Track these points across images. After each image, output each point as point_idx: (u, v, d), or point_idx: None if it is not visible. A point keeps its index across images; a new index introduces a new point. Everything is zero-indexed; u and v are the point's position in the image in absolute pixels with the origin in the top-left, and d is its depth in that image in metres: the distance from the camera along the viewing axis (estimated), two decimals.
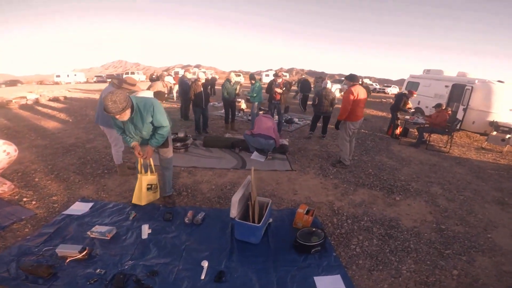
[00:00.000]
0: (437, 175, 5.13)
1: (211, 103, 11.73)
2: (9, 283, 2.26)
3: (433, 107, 7.76)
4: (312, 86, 13.99)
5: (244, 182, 3.16)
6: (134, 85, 4.39)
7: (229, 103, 7.38)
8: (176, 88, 13.43)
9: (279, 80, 6.94)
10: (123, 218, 3.25)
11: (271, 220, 3.24)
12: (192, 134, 6.97)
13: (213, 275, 2.43)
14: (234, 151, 5.85)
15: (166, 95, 6.22)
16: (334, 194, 4.16)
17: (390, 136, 7.91)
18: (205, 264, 2.55)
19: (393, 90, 27.35)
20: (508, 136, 6.91)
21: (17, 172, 4.42)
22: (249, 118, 8.40)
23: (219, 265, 2.58)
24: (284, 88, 6.92)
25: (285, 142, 6.44)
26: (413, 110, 8.37)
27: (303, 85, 12.21)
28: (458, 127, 8.12)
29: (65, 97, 14.49)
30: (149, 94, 5.11)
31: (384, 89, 25.42)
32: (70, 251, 2.54)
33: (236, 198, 2.82)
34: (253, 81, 7.19)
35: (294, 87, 15.74)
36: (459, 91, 8.62)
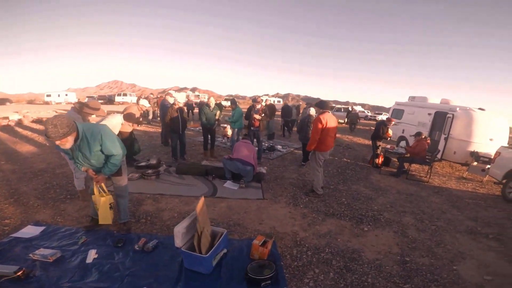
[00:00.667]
0: (412, 205, 5.00)
1: (197, 128, 11.59)
2: None
3: (411, 135, 7.73)
4: (301, 111, 14.06)
5: (192, 213, 3.03)
6: (97, 109, 4.31)
7: (208, 129, 7.14)
8: (151, 112, 13.44)
9: (258, 106, 6.86)
10: (72, 242, 3.19)
11: (225, 250, 3.09)
12: (169, 160, 6.89)
13: None
14: (207, 179, 5.72)
15: (140, 119, 6.07)
16: (301, 224, 3.99)
17: (371, 165, 7.82)
18: None
19: (384, 118, 27.47)
20: (488, 166, 6.87)
21: None
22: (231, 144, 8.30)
23: None
24: (263, 115, 6.86)
25: (263, 170, 6.32)
26: (389, 138, 8.20)
27: (284, 110, 12.38)
28: (439, 157, 8.07)
29: None
30: (116, 118, 5.05)
31: (376, 116, 25.80)
32: (6, 271, 2.52)
33: (178, 229, 2.73)
34: (234, 106, 7.08)
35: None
36: (441, 119, 8.43)
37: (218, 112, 7.25)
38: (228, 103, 25.12)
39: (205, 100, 19.77)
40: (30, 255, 2.84)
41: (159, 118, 12.41)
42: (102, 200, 3.18)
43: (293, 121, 13.02)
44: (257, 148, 7.23)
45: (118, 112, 5.42)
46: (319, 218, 4.21)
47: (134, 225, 3.71)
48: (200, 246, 2.73)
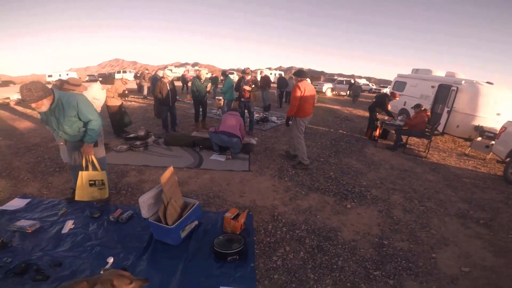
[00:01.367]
0: (404, 182, 4.78)
1: (187, 101, 11.63)
2: None
3: (411, 108, 7.36)
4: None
5: (159, 184, 2.91)
6: (78, 85, 4.36)
7: (199, 101, 7.18)
8: (146, 87, 13.48)
9: (248, 77, 6.65)
10: (52, 214, 3.25)
11: (196, 222, 3.01)
12: (160, 132, 6.85)
13: None
14: (195, 150, 5.60)
15: (126, 91, 6.20)
16: (282, 198, 3.87)
17: (368, 137, 7.55)
18: (110, 260, 2.52)
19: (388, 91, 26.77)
20: (492, 142, 6.48)
21: None
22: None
23: (126, 262, 2.52)
24: (253, 86, 6.63)
25: (253, 141, 6.17)
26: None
27: (280, 81, 12.56)
28: (440, 130, 7.73)
29: None
30: (93, 87, 4.92)
31: (380, 89, 24.99)
32: None
33: (143, 199, 2.66)
34: (224, 78, 7.00)
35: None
36: (445, 92, 8.04)
37: (209, 85, 7.19)
38: (232, 76, 24.69)
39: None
40: (10, 226, 2.90)
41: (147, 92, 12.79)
42: (82, 174, 3.13)
43: (289, 92, 12.88)
44: (249, 120, 7.10)
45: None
46: (302, 192, 4.08)
47: (114, 197, 3.71)
48: (166, 217, 2.66)
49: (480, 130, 6.93)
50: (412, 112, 8.65)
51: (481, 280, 2.58)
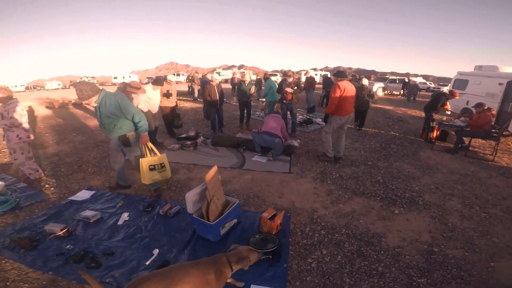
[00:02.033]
0: (465, 187, 4.29)
1: (234, 103, 11.96)
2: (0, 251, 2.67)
3: (472, 107, 6.59)
4: None
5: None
6: (138, 88, 4.80)
7: (244, 103, 7.37)
8: (196, 89, 14.10)
9: (290, 80, 6.63)
10: (112, 206, 3.59)
11: (235, 220, 3.11)
12: (209, 132, 7.22)
13: (158, 263, 2.54)
14: (239, 151, 5.76)
15: (168, 91, 6.42)
16: (323, 201, 3.77)
17: (424, 140, 6.94)
18: (155, 252, 2.69)
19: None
20: None
21: (51, 163, 5.11)
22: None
23: (169, 255, 2.66)
24: (295, 88, 6.58)
25: (295, 143, 6.10)
26: (448, 111, 7.18)
27: (325, 81, 12.41)
28: (511, 131, 6.79)
29: None
30: (148, 90, 5.33)
31: (440, 88, 22.68)
32: (54, 229, 2.94)
33: (189, 195, 2.81)
34: (265, 80, 7.06)
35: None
36: None
37: (252, 87, 7.29)
38: (275, 78, 24.78)
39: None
40: (77, 216, 3.28)
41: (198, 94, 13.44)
42: (141, 161, 3.53)
43: None
44: (291, 121, 7.09)
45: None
46: (345, 196, 3.91)
47: (166, 192, 3.99)
48: (208, 213, 2.78)
49: None
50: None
51: None
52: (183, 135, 6.29)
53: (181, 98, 14.87)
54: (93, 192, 3.93)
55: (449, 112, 7.15)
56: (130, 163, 4.27)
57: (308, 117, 9.10)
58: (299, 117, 8.88)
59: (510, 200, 3.91)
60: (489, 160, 5.67)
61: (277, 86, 6.97)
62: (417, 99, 16.05)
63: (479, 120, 5.80)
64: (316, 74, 30.94)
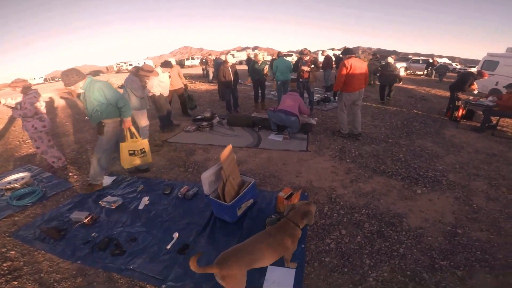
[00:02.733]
0: (491, 167, 4.07)
1: (249, 83, 11.79)
2: (31, 242, 2.73)
3: (504, 87, 6.20)
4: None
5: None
6: (151, 71, 4.71)
7: (258, 83, 7.27)
8: (211, 71, 13.92)
9: (306, 58, 6.41)
10: (132, 190, 3.62)
11: (252, 200, 3.07)
12: (224, 113, 7.18)
13: (178, 247, 2.55)
14: (254, 130, 5.70)
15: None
16: (342, 180, 3.68)
17: (448, 118, 6.62)
18: (175, 235, 2.69)
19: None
20: None
21: (73, 150, 5.19)
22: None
23: (188, 238, 2.67)
24: (312, 66, 6.38)
25: (313, 121, 5.98)
26: (476, 91, 6.81)
27: (338, 61, 11.91)
28: None
29: None
30: (158, 70, 5.27)
31: (466, 69, 21.53)
32: (79, 217, 2.98)
33: (205, 175, 2.74)
34: (276, 58, 6.91)
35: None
36: None
37: (266, 67, 7.17)
38: (290, 58, 24.38)
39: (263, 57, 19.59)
40: (100, 202, 3.33)
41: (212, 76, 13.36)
42: (121, 146, 3.53)
43: None
44: (308, 100, 6.95)
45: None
46: (366, 175, 3.81)
47: (183, 174, 4.01)
48: (225, 194, 2.74)
49: None
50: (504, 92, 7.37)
51: None
52: (199, 117, 6.27)
53: (195, 81, 14.80)
54: (114, 177, 3.96)
55: (476, 92, 6.76)
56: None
57: (326, 95, 8.90)
58: (317, 96, 8.67)
59: None
60: None
61: (287, 64, 6.79)
62: (443, 79, 15.30)
63: (509, 100, 5.45)
64: (334, 54, 30.09)
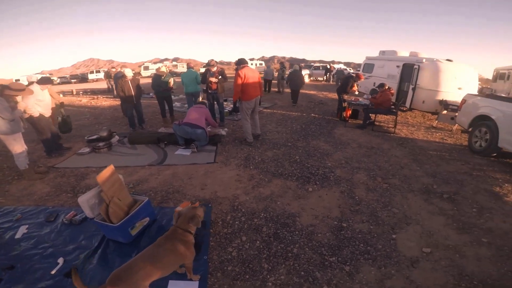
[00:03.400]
0: (370, 160, 4.81)
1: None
2: None
3: (376, 87, 7.49)
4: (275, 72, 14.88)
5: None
6: (21, 90, 4.14)
7: (163, 97, 7.08)
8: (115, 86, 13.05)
9: (214, 69, 6.55)
10: (7, 220, 3.22)
11: (148, 219, 2.95)
12: (128, 130, 6.71)
13: (66, 270, 2.42)
14: (160, 146, 5.47)
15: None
16: (245, 187, 3.82)
17: (339, 119, 7.60)
18: (60, 260, 2.55)
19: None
20: (456, 114, 6.67)
21: None
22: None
23: (76, 262, 2.54)
24: (220, 77, 6.52)
25: (222, 132, 6.08)
26: (356, 92, 8.05)
27: (265, 72, 13.53)
28: (408, 106, 7.95)
29: None
30: (35, 91, 4.65)
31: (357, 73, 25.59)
32: None
33: (83, 199, 2.58)
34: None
35: None
36: (409, 71, 8.36)
37: (171, 80, 6.96)
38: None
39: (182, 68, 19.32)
40: None
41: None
42: None
43: (268, 80, 13.68)
44: (219, 111, 7.11)
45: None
46: (266, 179, 4.04)
47: (71, 199, 3.62)
48: (109, 216, 2.60)
49: (445, 104, 7.13)
50: None
51: (443, 261, 2.49)
52: (94, 137, 5.68)
53: (98, 96, 13.55)
54: None
55: (357, 93, 7.91)
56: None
57: (237, 105, 9.25)
58: (230, 106, 8.88)
59: (406, 170, 4.45)
60: (391, 133, 6.49)
61: (193, 76, 6.83)
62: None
63: (380, 99, 6.55)
64: (252, 64, 31.82)
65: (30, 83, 5.60)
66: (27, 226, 3.05)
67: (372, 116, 6.90)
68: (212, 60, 6.62)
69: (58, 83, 29.85)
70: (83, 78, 30.98)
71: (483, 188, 3.86)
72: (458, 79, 7.57)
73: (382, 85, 6.86)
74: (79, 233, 2.94)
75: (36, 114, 4.56)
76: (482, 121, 5.33)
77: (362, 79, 7.61)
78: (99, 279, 2.31)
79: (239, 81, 5.02)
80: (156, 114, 8.70)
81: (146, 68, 32.45)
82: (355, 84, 7.25)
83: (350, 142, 5.69)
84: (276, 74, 14.28)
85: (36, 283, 2.30)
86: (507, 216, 3.18)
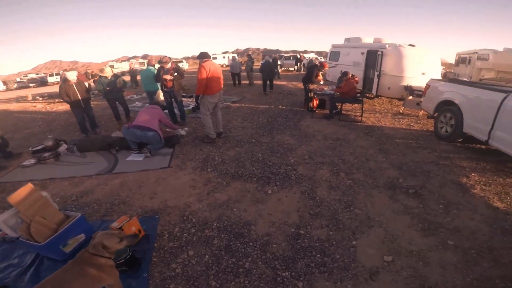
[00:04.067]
0: (334, 153, 4.60)
1: (128, 96, 10.80)
2: None
3: (340, 77, 7.33)
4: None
5: None
6: None
7: (113, 99, 6.57)
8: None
9: (168, 66, 6.11)
10: None
11: (83, 235, 2.68)
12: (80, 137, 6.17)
13: None
14: (111, 153, 5.00)
15: None
16: (199, 194, 3.50)
17: (306, 109, 7.39)
18: None
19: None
20: (421, 99, 6.62)
21: None
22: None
23: (7, 280, 2.39)
24: (175, 74, 6.10)
25: (182, 132, 5.69)
26: (321, 82, 7.85)
27: (232, 66, 13.37)
28: (374, 94, 7.89)
29: None
30: None
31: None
32: None
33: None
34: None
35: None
36: (373, 58, 8.25)
37: (120, 80, 6.45)
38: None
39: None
40: None
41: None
42: None
43: (237, 74, 13.38)
44: (178, 110, 6.71)
45: None
46: (223, 183, 3.73)
47: None
48: (32, 235, 2.38)
49: (410, 90, 7.07)
50: None
51: (405, 271, 2.25)
52: (39, 147, 5.16)
53: (54, 100, 12.59)
54: None
55: (322, 82, 7.69)
56: None
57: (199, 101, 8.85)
58: (189, 102, 8.45)
59: (372, 162, 4.25)
60: (358, 122, 6.35)
61: (148, 75, 6.48)
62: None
63: (345, 87, 6.38)
64: (224, 57, 31.99)
65: (21, 87, 4.94)
66: None
67: (339, 105, 6.73)
68: (165, 56, 6.19)
69: (16, 88, 27.69)
70: (42, 82, 28.70)
71: (450, 179, 3.69)
72: (421, 64, 7.54)
73: (345, 74, 6.69)
74: (13, 250, 2.73)
75: None
76: (447, 106, 5.24)
77: (326, 68, 7.41)
78: None
79: (204, 75, 4.75)
80: (113, 117, 8.13)
81: (111, 67, 30.97)
82: (319, 73, 7.05)
83: (315, 134, 5.47)
84: (243, 67, 13.86)
85: None
86: (474, 212, 3.00)
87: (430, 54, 7.87)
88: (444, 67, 20.23)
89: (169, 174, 4.05)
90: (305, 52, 41.36)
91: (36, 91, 19.68)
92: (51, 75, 28.72)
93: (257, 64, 16.50)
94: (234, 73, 13.15)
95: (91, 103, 6.45)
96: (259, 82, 12.52)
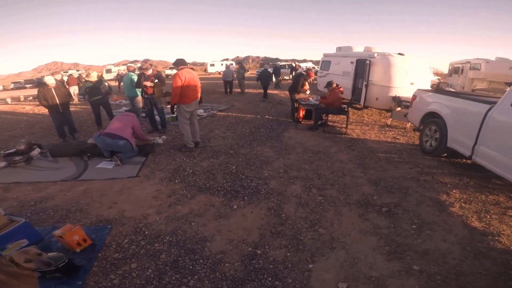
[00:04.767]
0: (312, 167, 4.43)
1: (117, 102, 10.75)
2: None
3: (325, 87, 7.20)
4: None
5: None
6: None
7: (98, 104, 6.55)
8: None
9: (149, 72, 6.03)
10: None
11: (25, 240, 2.61)
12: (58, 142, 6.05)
13: None
14: (83, 159, 4.86)
15: None
16: (160, 205, 3.35)
17: (292, 120, 7.25)
18: None
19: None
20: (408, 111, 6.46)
21: None
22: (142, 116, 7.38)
23: None
24: (156, 80, 6.03)
25: (159, 140, 5.57)
26: (307, 92, 7.69)
27: (225, 73, 13.44)
28: (362, 104, 7.76)
29: None
30: None
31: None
32: None
33: None
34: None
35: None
36: (362, 67, 8.12)
37: (104, 85, 6.49)
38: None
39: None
40: None
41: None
42: None
43: (229, 82, 13.31)
44: (159, 117, 6.58)
45: None
46: (188, 195, 3.57)
47: None
48: None
49: (398, 100, 6.92)
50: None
51: None
52: (11, 150, 5.03)
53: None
54: None
55: (308, 92, 7.56)
56: None
57: (174, 110, 8.81)
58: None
59: (348, 177, 4.06)
60: (343, 134, 6.18)
61: (129, 80, 6.45)
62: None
63: (330, 98, 6.24)
64: (222, 65, 32.41)
65: (18, 88, 4.90)
66: None
67: (324, 116, 6.60)
68: (146, 63, 6.17)
69: (13, 89, 27.79)
70: (39, 83, 28.78)
71: (429, 196, 3.49)
72: (410, 73, 7.37)
73: (330, 84, 6.52)
74: None
75: None
76: (432, 119, 5.02)
77: (313, 77, 7.26)
78: None
79: (179, 83, 4.65)
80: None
81: (109, 71, 32.26)
82: (306, 83, 6.92)
83: (296, 147, 5.32)
84: (235, 75, 13.83)
85: None
86: (449, 233, 2.79)
87: (420, 63, 7.72)
88: (439, 77, 20.09)
89: (135, 184, 3.90)
90: (304, 61, 41.30)
91: (29, 92, 19.63)
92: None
93: (253, 72, 16.48)
94: (226, 81, 13.07)
95: (80, 107, 6.40)
96: (251, 90, 12.48)
